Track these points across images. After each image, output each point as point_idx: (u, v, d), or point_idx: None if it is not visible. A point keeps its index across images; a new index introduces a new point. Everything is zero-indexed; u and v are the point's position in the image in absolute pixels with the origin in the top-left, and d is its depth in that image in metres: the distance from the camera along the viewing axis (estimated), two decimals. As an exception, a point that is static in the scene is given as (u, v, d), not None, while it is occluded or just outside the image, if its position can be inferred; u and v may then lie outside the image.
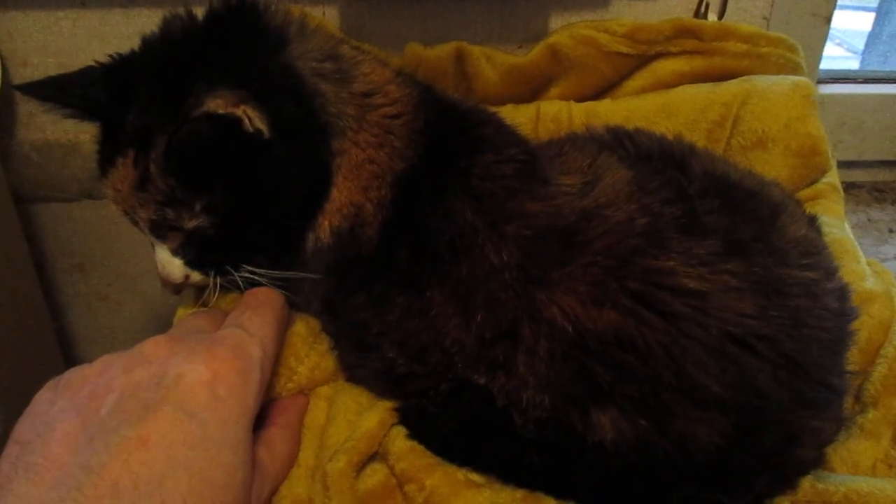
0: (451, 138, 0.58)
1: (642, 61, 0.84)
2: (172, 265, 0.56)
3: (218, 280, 0.57)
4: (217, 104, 0.48)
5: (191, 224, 0.53)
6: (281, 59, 0.54)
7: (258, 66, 0.53)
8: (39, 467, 0.41)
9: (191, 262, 0.56)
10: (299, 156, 0.54)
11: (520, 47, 0.89)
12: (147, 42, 0.56)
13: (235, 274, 0.56)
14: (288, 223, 0.55)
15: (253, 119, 0.50)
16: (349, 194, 0.55)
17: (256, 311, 0.53)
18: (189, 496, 0.41)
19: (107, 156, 0.54)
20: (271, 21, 0.55)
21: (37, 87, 0.57)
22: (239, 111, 0.49)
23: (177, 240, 0.55)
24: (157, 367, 0.46)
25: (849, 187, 1.07)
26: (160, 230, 0.55)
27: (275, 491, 0.52)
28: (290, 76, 0.54)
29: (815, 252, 0.56)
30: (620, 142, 0.64)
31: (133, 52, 0.56)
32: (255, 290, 0.56)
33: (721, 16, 0.88)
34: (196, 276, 0.57)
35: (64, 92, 0.56)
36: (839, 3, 0.93)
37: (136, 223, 0.56)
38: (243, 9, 0.55)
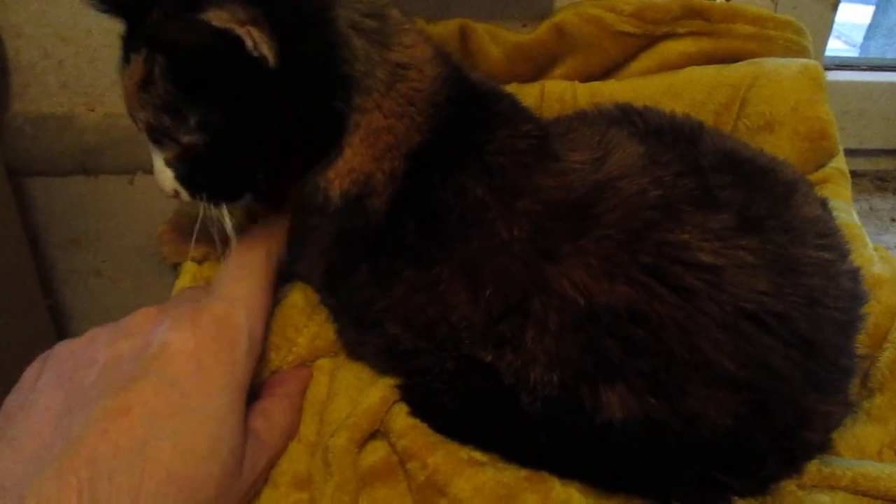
0: (469, 114, 0.57)
1: (649, 42, 0.83)
2: (164, 174, 0.53)
3: (204, 209, 0.54)
4: (219, 16, 0.46)
5: (185, 139, 0.51)
6: None
7: None
8: (20, 440, 0.41)
9: (181, 179, 0.53)
10: (307, 97, 0.51)
11: (525, 25, 0.88)
12: None
13: (222, 209, 0.53)
14: (287, 167, 0.53)
15: (259, 43, 0.47)
16: (361, 160, 0.54)
17: (243, 279, 0.52)
18: (171, 465, 0.41)
19: (125, 53, 0.52)
20: None
21: None
22: (242, 30, 0.47)
23: (171, 150, 0.52)
24: (142, 337, 0.46)
25: (851, 175, 1.06)
26: (156, 135, 0.52)
27: (273, 462, 0.52)
28: (323, 16, 0.51)
29: (829, 233, 0.55)
30: (630, 118, 0.63)
31: None
32: (241, 256, 0.53)
33: (729, -3, 0.87)
34: (185, 196, 0.54)
35: None
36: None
37: (136, 125, 0.53)
38: None
